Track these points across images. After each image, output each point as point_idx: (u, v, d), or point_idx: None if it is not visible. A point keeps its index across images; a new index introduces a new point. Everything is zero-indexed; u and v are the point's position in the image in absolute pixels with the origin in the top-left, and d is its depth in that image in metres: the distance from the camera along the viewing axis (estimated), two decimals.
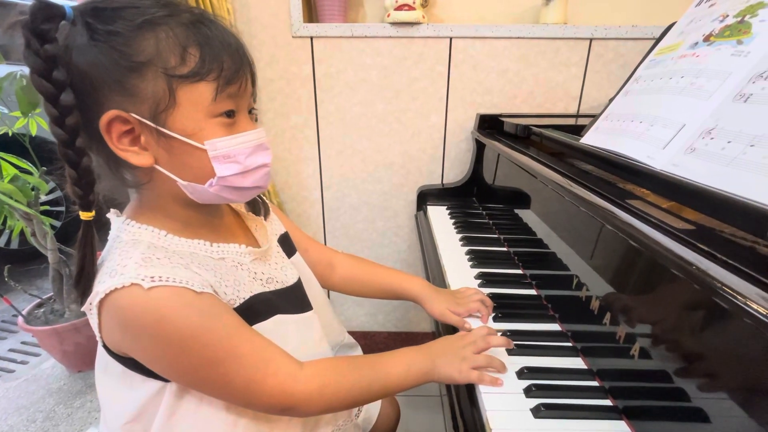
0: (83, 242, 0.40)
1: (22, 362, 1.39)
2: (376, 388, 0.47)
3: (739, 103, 0.41)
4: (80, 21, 0.36)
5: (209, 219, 0.46)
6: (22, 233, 1.16)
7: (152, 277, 0.37)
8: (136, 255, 0.38)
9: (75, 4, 0.36)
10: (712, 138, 0.42)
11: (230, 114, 0.40)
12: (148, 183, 0.42)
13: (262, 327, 0.44)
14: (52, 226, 1.18)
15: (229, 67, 0.39)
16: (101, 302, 0.37)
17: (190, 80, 0.37)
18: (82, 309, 0.40)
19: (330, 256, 0.68)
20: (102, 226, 0.44)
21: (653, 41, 0.67)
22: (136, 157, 0.39)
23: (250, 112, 0.44)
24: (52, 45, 0.34)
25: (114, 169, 0.41)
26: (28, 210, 1.09)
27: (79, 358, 1.29)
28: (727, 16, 0.50)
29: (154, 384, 0.41)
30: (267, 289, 0.47)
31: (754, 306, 0.27)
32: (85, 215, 0.40)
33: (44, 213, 1.16)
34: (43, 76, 0.35)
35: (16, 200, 1.07)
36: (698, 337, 0.34)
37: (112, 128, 0.38)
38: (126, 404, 0.43)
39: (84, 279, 0.40)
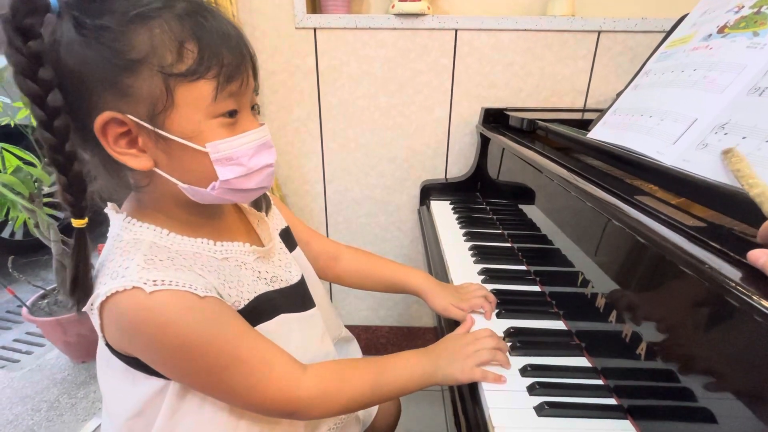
0: (76, 250, 0.39)
1: (27, 352, 1.40)
2: (379, 393, 0.47)
3: (754, 96, 0.40)
4: (67, 14, 0.33)
5: (211, 218, 0.45)
6: (25, 224, 1.17)
7: (154, 281, 0.35)
8: (138, 256, 0.37)
9: None
10: (725, 133, 0.41)
11: (232, 114, 0.38)
12: (147, 185, 0.40)
13: (265, 327, 0.44)
14: (56, 218, 1.18)
15: (229, 62, 0.36)
16: (102, 303, 0.36)
17: (189, 79, 0.35)
18: (83, 309, 0.39)
19: (333, 249, 0.67)
20: (99, 225, 0.43)
21: (663, 34, 0.65)
22: (134, 160, 0.37)
23: (252, 108, 0.42)
24: (36, 42, 0.32)
25: (112, 171, 0.39)
26: (27, 204, 1.09)
27: (83, 349, 1.30)
28: (743, 6, 0.48)
29: (157, 382, 0.41)
30: (271, 288, 0.46)
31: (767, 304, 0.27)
32: (77, 223, 0.38)
33: (48, 204, 1.17)
34: (27, 75, 0.32)
35: (18, 192, 1.07)
36: (708, 336, 0.33)
37: (107, 131, 0.36)
38: (129, 400, 0.42)
39: (79, 288, 0.38)
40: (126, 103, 0.35)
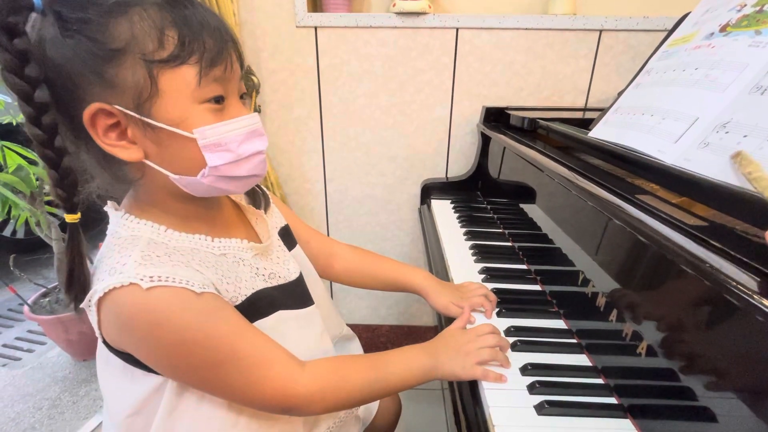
0: (71, 246, 0.39)
1: (29, 350, 1.41)
2: (378, 388, 0.46)
3: (756, 95, 0.40)
4: (50, 11, 0.34)
5: (208, 212, 0.45)
6: (27, 222, 1.17)
7: (151, 277, 0.35)
8: (136, 253, 0.37)
9: None
10: (727, 132, 0.41)
11: (219, 100, 0.38)
12: (141, 179, 0.40)
13: (263, 324, 0.44)
14: (58, 216, 1.18)
15: (211, 47, 0.36)
16: (100, 300, 0.36)
17: (171, 65, 0.35)
18: (81, 306, 0.39)
19: (332, 248, 0.67)
20: (100, 222, 0.43)
21: (665, 33, 0.65)
22: (124, 151, 0.37)
23: (241, 97, 0.41)
24: (21, 39, 0.32)
25: (106, 166, 0.39)
26: (25, 205, 1.09)
27: (84, 347, 1.30)
28: (745, 5, 0.48)
29: (155, 379, 0.41)
30: (269, 285, 0.46)
31: None
32: (70, 218, 0.38)
33: (49, 203, 1.17)
34: (14, 73, 0.33)
35: (19, 191, 1.07)
36: (708, 335, 0.33)
37: (96, 123, 0.36)
38: (127, 397, 0.42)
39: (75, 284, 0.38)
40: (112, 93, 0.35)
